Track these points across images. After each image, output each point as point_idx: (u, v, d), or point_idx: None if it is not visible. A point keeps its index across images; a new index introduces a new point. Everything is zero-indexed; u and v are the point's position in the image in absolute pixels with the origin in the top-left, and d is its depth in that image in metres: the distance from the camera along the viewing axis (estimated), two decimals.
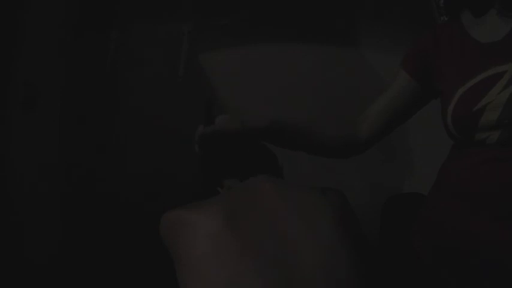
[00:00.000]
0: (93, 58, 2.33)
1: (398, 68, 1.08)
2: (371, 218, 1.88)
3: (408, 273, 1.09)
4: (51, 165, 1.97)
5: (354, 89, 2.55)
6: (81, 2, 2.08)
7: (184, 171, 2.53)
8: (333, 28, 2.61)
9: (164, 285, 1.19)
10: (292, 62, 2.60)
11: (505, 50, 0.83)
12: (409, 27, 2.45)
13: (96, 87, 2.37)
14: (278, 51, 2.60)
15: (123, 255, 2.17)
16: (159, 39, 2.58)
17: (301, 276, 0.73)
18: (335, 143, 1.02)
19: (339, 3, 2.59)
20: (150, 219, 1.12)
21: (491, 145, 0.83)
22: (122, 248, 2.21)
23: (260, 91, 2.61)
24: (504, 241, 0.82)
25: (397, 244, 1.92)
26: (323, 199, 0.86)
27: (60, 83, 1.99)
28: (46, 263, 1.89)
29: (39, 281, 1.80)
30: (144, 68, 2.54)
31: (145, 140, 2.53)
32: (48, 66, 1.90)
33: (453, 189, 0.93)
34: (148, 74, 2.55)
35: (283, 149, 1.05)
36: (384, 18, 2.57)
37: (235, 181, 0.98)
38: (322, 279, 0.73)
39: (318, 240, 0.78)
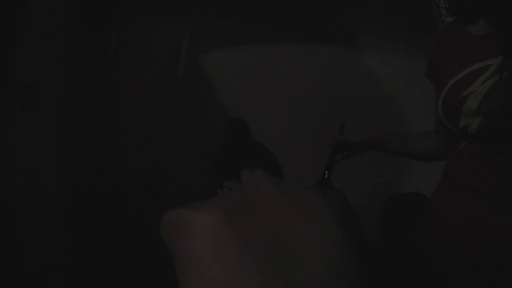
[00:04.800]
0: (93, 58, 2.33)
1: None
2: (371, 218, 1.88)
3: (409, 272, 1.10)
4: (51, 165, 1.97)
5: (353, 90, 2.55)
6: (82, 2, 2.08)
7: (184, 171, 2.53)
8: (333, 29, 2.61)
9: (164, 285, 1.20)
10: (292, 63, 2.60)
11: (494, 44, 0.88)
12: (409, 29, 2.45)
13: (96, 87, 2.37)
14: (278, 52, 2.60)
15: (123, 255, 2.17)
16: (159, 39, 2.58)
17: (301, 276, 0.73)
18: (425, 153, 1.20)
19: (339, 4, 2.59)
20: (150, 219, 1.12)
21: (473, 137, 0.89)
22: (122, 248, 2.21)
23: (260, 91, 2.61)
24: (505, 233, 0.84)
25: (398, 243, 1.92)
26: (323, 199, 0.87)
27: (61, 83, 1.99)
28: (46, 263, 1.89)
29: (39, 281, 1.80)
30: (144, 69, 2.54)
31: (145, 140, 2.53)
32: (49, 67, 1.90)
33: (454, 188, 0.95)
34: (149, 74, 2.55)
35: (283, 150, 1.06)
36: (384, 20, 2.57)
37: (235, 182, 0.98)
38: (322, 278, 0.73)
39: (318, 240, 0.78)
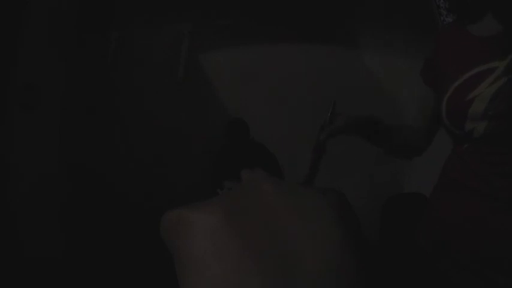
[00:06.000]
0: (93, 59, 2.33)
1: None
2: (371, 218, 1.88)
3: (409, 272, 1.09)
4: (51, 165, 1.97)
5: (353, 90, 2.55)
6: (82, 3, 2.08)
7: (184, 171, 2.53)
8: (333, 29, 2.62)
9: (164, 285, 1.20)
10: (292, 63, 2.60)
11: (498, 46, 0.87)
12: (409, 29, 2.45)
13: (97, 87, 2.37)
14: (278, 52, 2.60)
15: (123, 255, 2.17)
16: (159, 39, 2.59)
17: (301, 276, 0.73)
18: (406, 146, 1.15)
19: (339, 5, 2.59)
20: (150, 219, 1.12)
21: (478, 139, 0.88)
22: (122, 247, 2.21)
23: (260, 91, 2.62)
24: (505, 233, 0.84)
25: (398, 243, 1.93)
26: (323, 199, 0.86)
27: (61, 83, 1.99)
28: (47, 263, 1.89)
29: (39, 281, 1.80)
30: (144, 68, 2.54)
31: (145, 140, 2.53)
32: (49, 67, 1.90)
33: (454, 188, 0.95)
34: (149, 74, 2.55)
35: (283, 150, 1.06)
36: (384, 20, 2.57)
37: (235, 182, 0.98)
38: (322, 278, 0.73)
39: (318, 240, 0.78)
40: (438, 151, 1.12)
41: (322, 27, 2.59)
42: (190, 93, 2.61)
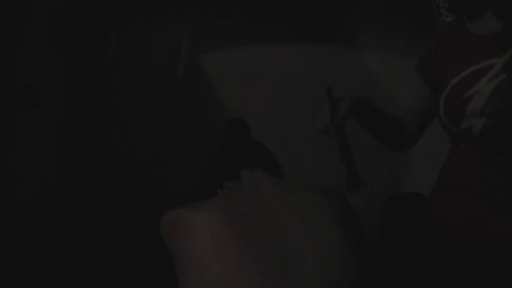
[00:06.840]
0: (93, 59, 2.33)
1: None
2: (371, 218, 1.88)
3: (409, 272, 1.09)
4: (51, 165, 1.97)
5: (353, 90, 2.55)
6: (82, 3, 2.08)
7: (184, 171, 2.53)
8: (333, 29, 2.62)
9: (164, 285, 1.20)
10: (292, 63, 2.60)
11: (497, 43, 0.87)
12: (409, 29, 2.45)
13: (96, 87, 2.37)
14: (278, 52, 2.60)
15: (123, 255, 2.17)
16: (159, 39, 2.59)
17: (301, 276, 0.73)
18: (398, 135, 1.12)
19: (339, 5, 2.59)
20: (150, 219, 1.12)
21: (477, 137, 0.88)
22: (122, 247, 2.21)
23: (260, 91, 2.62)
24: (505, 233, 0.84)
25: (398, 243, 1.93)
26: (323, 199, 0.86)
27: (61, 83, 1.99)
28: (47, 263, 1.89)
29: (39, 281, 1.80)
30: (144, 68, 2.54)
31: (145, 140, 2.53)
32: (49, 67, 1.90)
33: (454, 188, 0.95)
34: (149, 74, 2.55)
35: (283, 150, 1.06)
36: (384, 20, 2.57)
37: (235, 182, 0.98)
38: (322, 278, 0.74)
39: (318, 240, 0.78)
40: (438, 151, 1.11)
41: (322, 27, 2.59)
42: (190, 93, 2.61)
